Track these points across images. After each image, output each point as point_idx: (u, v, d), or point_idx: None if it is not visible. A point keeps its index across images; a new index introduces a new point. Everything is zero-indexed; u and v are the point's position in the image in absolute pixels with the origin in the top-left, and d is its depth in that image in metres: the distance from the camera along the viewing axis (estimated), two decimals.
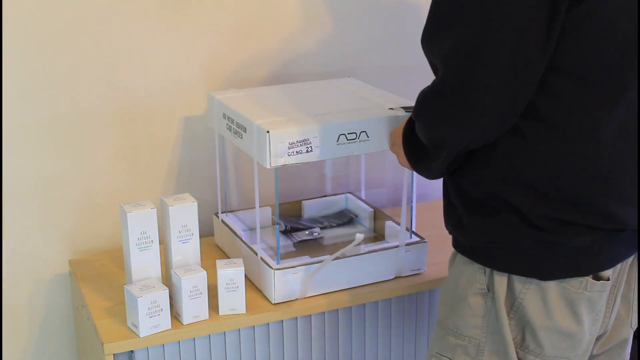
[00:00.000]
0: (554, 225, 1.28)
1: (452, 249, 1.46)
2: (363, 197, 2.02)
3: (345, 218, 1.99)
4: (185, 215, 1.62)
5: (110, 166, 1.91)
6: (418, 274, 1.78)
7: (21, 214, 1.86)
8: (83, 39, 1.81)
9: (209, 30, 1.91)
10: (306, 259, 1.70)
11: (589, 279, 1.32)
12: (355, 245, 1.64)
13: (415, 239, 1.78)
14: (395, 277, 1.76)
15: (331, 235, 1.91)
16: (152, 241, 1.61)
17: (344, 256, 1.71)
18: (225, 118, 1.74)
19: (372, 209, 1.96)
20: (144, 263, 1.61)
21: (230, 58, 1.95)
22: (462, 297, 1.39)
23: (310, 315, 1.69)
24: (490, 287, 1.35)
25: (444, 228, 1.84)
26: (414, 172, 1.73)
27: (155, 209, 1.60)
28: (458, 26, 1.21)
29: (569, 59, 1.23)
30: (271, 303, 1.66)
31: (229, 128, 1.72)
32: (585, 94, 1.24)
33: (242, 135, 1.65)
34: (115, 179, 1.92)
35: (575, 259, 1.31)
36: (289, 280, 1.65)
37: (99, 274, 1.81)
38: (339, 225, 1.97)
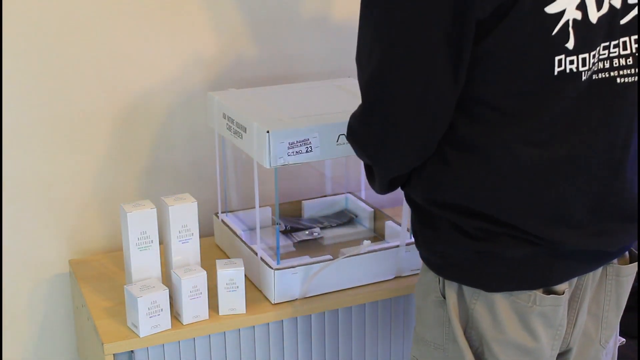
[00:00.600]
0: (488, 236, 1.26)
1: None
2: (363, 197, 2.02)
3: (345, 218, 1.99)
4: (185, 215, 1.62)
5: (110, 166, 1.91)
6: (418, 274, 1.77)
7: (21, 214, 1.86)
8: (83, 39, 1.81)
9: (209, 30, 1.91)
10: (306, 259, 1.70)
11: (538, 292, 1.27)
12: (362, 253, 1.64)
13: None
14: (395, 277, 1.76)
15: (331, 235, 1.91)
16: (152, 241, 1.61)
17: (344, 256, 1.72)
18: (225, 118, 1.74)
19: (372, 209, 1.96)
20: (144, 263, 1.61)
21: (230, 58, 1.95)
22: (424, 305, 1.39)
23: (310, 315, 1.69)
24: (444, 295, 1.34)
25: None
26: None
27: (155, 209, 1.60)
28: (370, 60, 1.22)
29: (483, 87, 1.21)
30: (271, 303, 1.66)
31: (229, 128, 1.72)
32: (502, 121, 1.22)
33: (241, 135, 1.65)
34: (115, 179, 1.92)
35: (519, 270, 1.27)
36: (288, 281, 1.65)
37: (99, 274, 1.81)
38: (339, 225, 1.97)
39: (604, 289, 1.38)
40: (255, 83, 1.97)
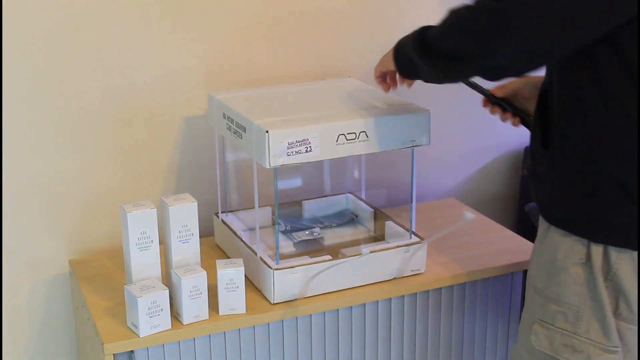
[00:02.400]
0: None
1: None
2: (363, 197, 2.02)
3: (345, 218, 1.99)
4: (185, 215, 1.62)
5: (110, 166, 1.91)
6: (418, 274, 1.78)
7: (21, 214, 1.86)
8: (83, 38, 1.81)
9: (209, 30, 1.91)
10: (306, 259, 1.70)
11: None
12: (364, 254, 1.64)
13: (415, 239, 1.78)
14: (395, 277, 1.76)
15: (331, 235, 1.91)
16: (152, 241, 1.61)
17: (344, 256, 1.72)
18: (225, 118, 1.74)
19: (372, 209, 1.96)
20: (144, 263, 1.61)
21: (230, 58, 1.95)
22: (562, 267, 1.44)
23: (310, 315, 1.69)
24: (588, 257, 1.42)
25: (444, 228, 1.85)
26: (414, 172, 1.73)
27: (155, 209, 1.60)
28: None
29: None
30: (270, 303, 1.66)
31: (229, 128, 1.72)
32: None
33: (241, 135, 1.65)
34: (115, 179, 1.92)
35: None
36: (288, 281, 1.65)
37: (99, 274, 1.81)
38: (339, 225, 1.97)
39: None
40: (255, 83, 1.97)
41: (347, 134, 1.61)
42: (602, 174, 1.36)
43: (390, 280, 1.75)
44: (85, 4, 1.79)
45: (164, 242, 1.67)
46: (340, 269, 1.69)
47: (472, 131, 1.85)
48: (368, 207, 1.97)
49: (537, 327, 1.50)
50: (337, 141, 1.60)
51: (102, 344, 1.54)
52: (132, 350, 1.56)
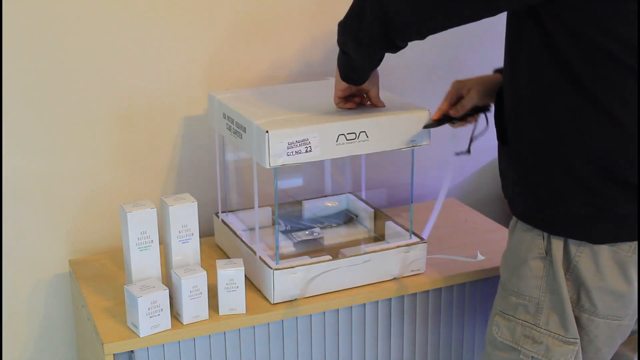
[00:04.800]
0: (604, 194, 1.38)
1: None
2: (363, 197, 2.02)
3: (345, 218, 1.99)
4: (185, 215, 1.62)
5: (110, 166, 1.91)
6: (418, 274, 1.78)
7: (21, 214, 1.86)
8: (83, 38, 1.81)
9: (209, 30, 1.91)
10: (306, 259, 1.70)
11: (636, 243, 1.42)
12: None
13: (415, 239, 1.78)
14: (395, 278, 1.76)
15: (331, 235, 1.91)
16: (152, 241, 1.61)
17: (344, 256, 1.72)
18: (225, 118, 1.74)
19: (372, 209, 1.96)
20: (144, 263, 1.61)
21: (230, 58, 1.95)
22: (523, 261, 1.49)
23: (310, 315, 1.69)
24: (548, 251, 1.46)
25: (444, 228, 1.88)
26: (414, 172, 1.74)
27: (155, 209, 1.60)
28: None
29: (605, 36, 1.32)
30: (270, 303, 1.66)
31: (229, 128, 1.72)
32: (623, 76, 1.33)
33: (241, 135, 1.65)
34: (115, 179, 1.92)
35: (624, 224, 1.41)
36: (288, 281, 1.65)
37: (99, 274, 1.81)
38: (339, 225, 1.97)
39: None
40: (255, 83, 1.97)
41: (347, 134, 1.61)
42: (556, 167, 1.40)
43: (390, 280, 1.75)
44: (85, 4, 1.79)
45: (164, 242, 1.67)
46: (340, 269, 1.69)
47: (471, 131, 1.86)
48: (368, 207, 1.97)
49: (498, 319, 1.54)
50: (337, 141, 1.60)
51: (102, 344, 1.54)
52: (132, 350, 1.56)
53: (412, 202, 1.79)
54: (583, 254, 1.43)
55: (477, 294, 1.83)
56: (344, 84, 1.61)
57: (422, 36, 1.44)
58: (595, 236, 1.41)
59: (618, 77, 1.32)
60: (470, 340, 1.87)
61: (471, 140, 1.70)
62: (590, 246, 1.42)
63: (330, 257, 1.70)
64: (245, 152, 1.68)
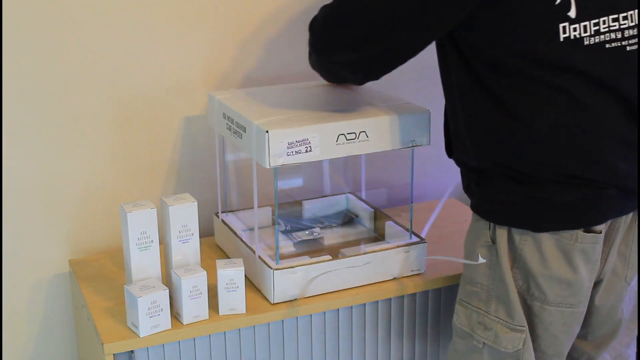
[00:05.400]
0: (539, 183, 1.44)
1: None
2: (363, 197, 2.02)
3: (346, 218, 1.99)
4: (185, 215, 1.62)
5: (110, 166, 1.91)
6: (418, 274, 1.78)
7: (21, 214, 1.86)
8: (83, 38, 1.81)
9: (209, 31, 1.91)
10: (306, 259, 1.70)
11: (579, 231, 1.46)
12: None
13: (415, 239, 1.78)
14: (395, 278, 1.76)
15: (331, 235, 1.91)
16: (152, 241, 1.61)
17: (344, 256, 1.72)
18: (225, 118, 1.74)
19: (373, 209, 1.96)
20: (144, 263, 1.61)
21: (230, 58, 1.95)
22: (472, 250, 1.56)
23: (311, 315, 1.69)
24: (494, 240, 1.52)
25: (444, 228, 1.89)
26: (414, 172, 1.74)
27: (155, 209, 1.60)
28: None
29: (505, 51, 1.43)
30: (270, 303, 1.66)
31: (229, 128, 1.72)
32: (528, 86, 1.42)
33: (241, 135, 1.65)
34: (115, 179, 1.92)
35: (565, 212, 1.45)
36: (288, 281, 1.65)
37: (99, 274, 1.81)
38: (339, 225, 1.97)
39: (633, 232, 1.56)
40: (255, 83, 1.97)
41: (347, 134, 1.61)
42: (492, 167, 1.48)
43: (390, 280, 1.75)
44: (85, 4, 1.79)
45: (164, 242, 1.67)
46: (340, 269, 1.69)
47: None
48: (368, 207, 1.97)
49: (458, 307, 1.61)
50: (337, 141, 1.60)
51: (102, 344, 1.54)
52: (132, 350, 1.56)
53: (412, 202, 1.79)
54: (527, 242, 1.48)
55: None
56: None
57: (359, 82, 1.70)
58: (537, 225, 1.47)
59: (528, 88, 1.41)
60: None
61: None
62: (532, 235, 1.47)
63: (330, 257, 1.70)
64: (245, 152, 1.68)
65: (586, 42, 1.38)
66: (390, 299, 1.75)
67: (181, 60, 1.90)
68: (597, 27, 1.39)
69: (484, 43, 1.41)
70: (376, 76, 1.60)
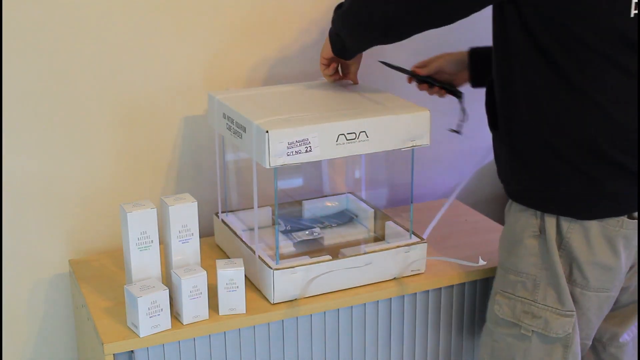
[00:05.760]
0: (592, 170, 1.47)
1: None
2: (363, 197, 2.02)
3: (345, 218, 1.99)
4: (185, 215, 1.62)
5: (110, 166, 1.91)
6: (418, 274, 1.78)
7: (21, 214, 1.86)
8: (83, 39, 1.81)
9: (208, 30, 1.91)
10: (306, 259, 1.70)
11: (625, 218, 1.51)
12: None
13: (415, 239, 1.78)
14: (395, 278, 1.76)
15: (331, 235, 1.91)
16: (152, 241, 1.61)
17: (344, 256, 1.72)
18: (225, 118, 1.74)
19: (372, 209, 1.96)
20: (144, 263, 1.61)
21: (230, 58, 1.95)
22: (519, 240, 1.58)
23: (311, 315, 1.69)
24: (542, 229, 1.54)
25: (444, 228, 1.88)
26: (414, 172, 1.74)
27: (155, 209, 1.60)
28: None
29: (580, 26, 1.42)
30: (270, 303, 1.66)
31: (229, 128, 1.72)
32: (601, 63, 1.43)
33: (241, 135, 1.65)
34: (115, 179, 1.92)
35: (613, 201, 1.50)
36: (288, 281, 1.65)
37: (99, 274, 1.81)
38: (339, 225, 1.97)
39: None
40: (255, 83, 1.97)
41: (347, 134, 1.61)
42: (546, 148, 1.49)
43: (390, 280, 1.75)
44: (85, 4, 1.79)
45: (164, 242, 1.67)
46: (340, 269, 1.69)
47: (472, 131, 1.86)
48: (368, 207, 1.97)
49: (499, 298, 1.62)
50: (337, 141, 1.60)
51: (102, 344, 1.54)
52: (132, 350, 1.56)
53: (412, 202, 1.79)
54: (574, 230, 1.52)
55: (476, 294, 1.83)
56: (330, 54, 1.75)
57: (406, 36, 1.56)
58: (586, 213, 1.50)
59: (594, 63, 1.41)
60: (470, 340, 1.87)
61: (461, 121, 1.77)
62: (580, 222, 1.51)
63: (330, 257, 1.70)
64: (245, 152, 1.68)
65: None
66: (390, 299, 1.75)
67: (181, 61, 1.90)
68: None
69: (559, 14, 1.40)
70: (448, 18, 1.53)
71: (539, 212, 1.55)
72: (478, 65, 1.79)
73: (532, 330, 1.58)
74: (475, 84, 1.81)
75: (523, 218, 1.57)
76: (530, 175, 1.54)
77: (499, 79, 1.56)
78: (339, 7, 1.67)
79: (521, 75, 1.49)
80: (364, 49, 1.71)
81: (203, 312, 1.60)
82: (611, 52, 1.41)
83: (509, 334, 1.62)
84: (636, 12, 1.40)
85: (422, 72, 1.82)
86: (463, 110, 1.75)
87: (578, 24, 1.40)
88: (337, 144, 1.60)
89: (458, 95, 1.77)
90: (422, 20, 1.51)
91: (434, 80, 1.81)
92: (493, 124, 1.61)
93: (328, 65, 1.80)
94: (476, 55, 1.80)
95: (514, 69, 1.50)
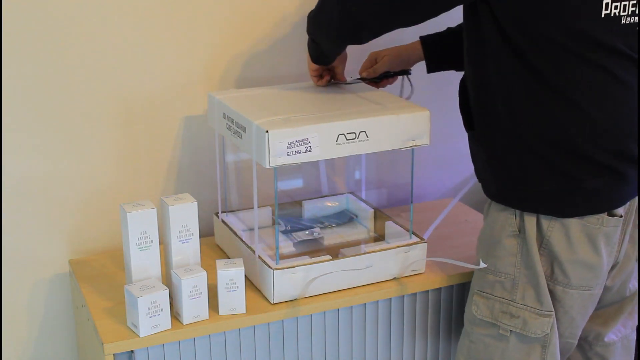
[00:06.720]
0: (571, 168, 1.47)
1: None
2: (363, 197, 2.02)
3: (345, 218, 1.99)
4: (185, 215, 1.62)
5: (110, 166, 1.91)
6: (418, 274, 1.78)
7: (21, 214, 1.86)
8: (83, 39, 1.81)
9: (208, 30, 1.91)
10: (306, 259, 1.70)
11: (605, 215, 1.51)
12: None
13: (415, 239, 1.78)
14: (395, 278, 1.76)
15: (331, 235, 1.91)
16: (152, 241, 1.61)
17: (344, 256, 1.72)
18: (225, 118, 1.74)
19: (372, 209, 1.96)
20: (144, 263, 1.61)
21: (230, 58, 1.95)
22: (497, 240, 1.57)
23: (311, 315, 1.69)
24: (521, 228, 1.54)
25: (444, 228, 1.88)
26: (414, 172, 1.74)
27: (155, 209, 1.60)
28: None
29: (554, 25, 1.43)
30: (270, 303, 1.66)
31: (229, 128, 1.72)
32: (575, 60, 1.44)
33: (241, 135, 1.65)
34: (115, 179, 1.92)
35: (592, 198, 1.50)
36: (288, 281, 1.65)
37: (99, 274, 1.81)
38: (339, 225, 1.97)
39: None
40: (255, 83, 1.97)
41: (347, 133, 1.61)
42: (523, 148, 1.49)
43: (390, 280, 1.75)
44: (85, 5, 1.79)
45: (164, 242, 1.67)
46: (340, 269, 1.69)
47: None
48: (368, 207, 1.97)
49: (477, 298, 1.62)
50: (337, 141, 1.60)
51: (102, 344, 1.54)
52: (132, 350, 1.56)
53: (412, 202, 1.79)
54: (554, 228, 1.51)
55: None
56: (314, 65, 1.78)
57: (377, 35, 1.56)
58: (566, 211, 1.50)
59: (569, 62, 1.42)
60: None
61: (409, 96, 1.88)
62: (560, 220, 1.51)
63: (330, 257, 1.70)
64: (245, 152, 1.68)
65: (623, 22, 1.42)
66: (390, 299, 1.75)
67: (181, 61, 1.90)
68: (634, 8, 1.43)
69: (529, 15, 1.41)
70: (405, 21, 1.54)
71: (518, 212, 1.54)
72: (433, 54, 1.83)
73: (510, 331, 1.58)
74: (431, 70, 1.85)
75: (502, 217, 1.56)
76: (508, 174, 1.54)
77: (473, 79, 1.56)
78: (310, 13, 1.69)
79: (496, 76, 1.49)
80: (341, 51, 1.73)
81: (203, 312, 1.60)
82: (584, 51, 1.41)
83: (487, 334, 1.61)
84: (607, 12, 1.40)
85: (370, 76, 1.87)
86: (411, 84, 1.88)
87: (549, 24, 1.40)
88: (337, 144, 1.60)
89: (408, 72, 1.90)
90: (390, 20, 1.50)
91: (390, 75, 1.90)
92: (469, 124, 1.61)
93: (320, 77, 1.84)
94: (429, 44, 1.83)
95: (489, 69, 1.50)
